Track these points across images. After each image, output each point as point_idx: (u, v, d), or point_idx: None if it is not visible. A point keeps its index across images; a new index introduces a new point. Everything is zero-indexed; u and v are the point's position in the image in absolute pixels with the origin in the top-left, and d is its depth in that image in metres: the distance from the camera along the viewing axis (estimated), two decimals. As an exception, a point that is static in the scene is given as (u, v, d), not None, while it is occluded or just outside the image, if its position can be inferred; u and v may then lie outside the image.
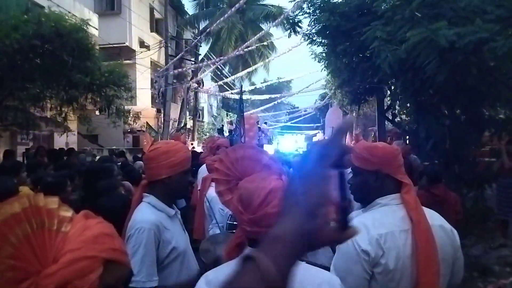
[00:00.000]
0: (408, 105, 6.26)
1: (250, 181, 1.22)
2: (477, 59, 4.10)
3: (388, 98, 8.60)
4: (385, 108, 8.72)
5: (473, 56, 4.01)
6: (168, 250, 1.77)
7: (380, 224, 1.54)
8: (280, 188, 1.16)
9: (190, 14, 23.31)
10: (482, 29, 3.75)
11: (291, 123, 31.49)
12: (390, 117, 8.88)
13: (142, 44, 17.34)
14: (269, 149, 12.09)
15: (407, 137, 8.91)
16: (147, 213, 1.80)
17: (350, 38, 6.80)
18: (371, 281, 1.52)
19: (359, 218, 1.65)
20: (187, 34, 22.28)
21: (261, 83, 23.65)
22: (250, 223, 1.16)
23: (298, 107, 34.43)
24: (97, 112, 11.05)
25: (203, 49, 23.85)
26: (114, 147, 13.73)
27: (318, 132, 20.30)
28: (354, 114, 16.06)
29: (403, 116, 7.94)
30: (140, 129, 16.19)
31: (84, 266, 0.62)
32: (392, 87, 7.47)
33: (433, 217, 1.62)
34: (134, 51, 16.83)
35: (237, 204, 1.20)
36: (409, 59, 4.65)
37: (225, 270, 1.20)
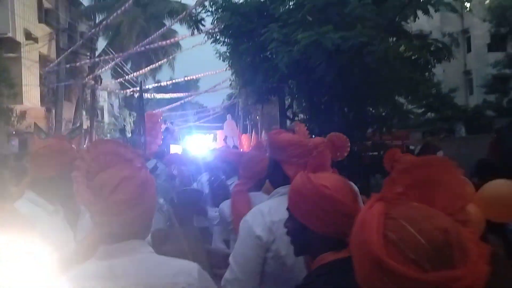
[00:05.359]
0: (304, 104, 6.64)
1: (105, 172, 1.21)
2: (359, 61, 4.52)
3: (288, 98, 9.03)
4: (286, 107, 9.13)
5: (356, 59, 4.41)
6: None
7: (275, 211, 1.60)
8: (134, 177, 1.17)
9: (85, 5, 21.62)
10: (362, 34, 4.14)
11: (200, 122, 31.26)
12: (291, 116, 9.35)
13: (28, 36, 15.52)
14: (176, 149, 11.80)
15: (306, 134, 9.45)
16: (21, 208, 1.83)
17: (251, 38, 6.97)
18: (265, 265, 1.57)
19: (258, 206, 1.73)
20: (82, 27, 20.61)
21: (167, 81, 22.99)
22: (101, 212, 1.14)
23: (206, 107, 34.35)
24: (-30, 111, 9.58)
25: (101, 43, 22.33)
26: (-5, 151, 12.03)
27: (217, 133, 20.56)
28: (258, 113, 16.63)
29: (301, 115, 8.42)
30: (27, 131, 14.46)
31: None
32: (291, 87, 7.86)
33: None
34: (19, 43, 14.99)
35: (89, 196, 1.16)
36: (302, 60, 4.93)
37: (88, 268, 1.17)
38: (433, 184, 0.86)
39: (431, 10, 5.58)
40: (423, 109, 18.45)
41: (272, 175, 1.76)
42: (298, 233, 1.23)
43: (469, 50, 23.27)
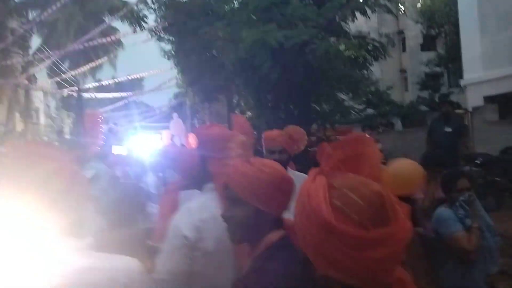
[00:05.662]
0: (251, 101, 6.72)
1: (30, 171, 1.13)
2: (303, 59, 4.67)
3: (236, 96, 9.08)
4: (234, 105, 9.17)
5: (298, 56, 4.55)
6: None
7: (205, 208, 1.57)
8: (63, 168, 1.14)
9: (16, 0, 20.08)
10: (304, 32, 4.29)
11: (145, 122, 30.32)
12: (239, 114, 9.40)
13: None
14: (119, 150, 11.38)
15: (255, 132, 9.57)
16: None
17: (196, 36, 6.89)
18: (193, 265, 1.53)
19: (188, 204, 1.68)
20: (14, 24, 19.10)
21: (109, 80, 22.02)
22: (34, 210, 1.08)
23: (152, 106, 33.38)
24: None
25: (36, 41, 20.87)
26: None
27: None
28: (206, 111, 16.53)
29: (249, 112, 8.52)
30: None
31: None
32: (238, 84, 7.89)
33: None
34: None
35: (15, 198, 1.09)
36: (248, 58, 5.00)
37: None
38: (358, 157, 1.00)
39: (369, 11, 5.90)
40: (363, 106, 19.42)
41: (202, 171, 1.69)
42: (251, 219, 1.23)
43: (404, 50, 24.79)
